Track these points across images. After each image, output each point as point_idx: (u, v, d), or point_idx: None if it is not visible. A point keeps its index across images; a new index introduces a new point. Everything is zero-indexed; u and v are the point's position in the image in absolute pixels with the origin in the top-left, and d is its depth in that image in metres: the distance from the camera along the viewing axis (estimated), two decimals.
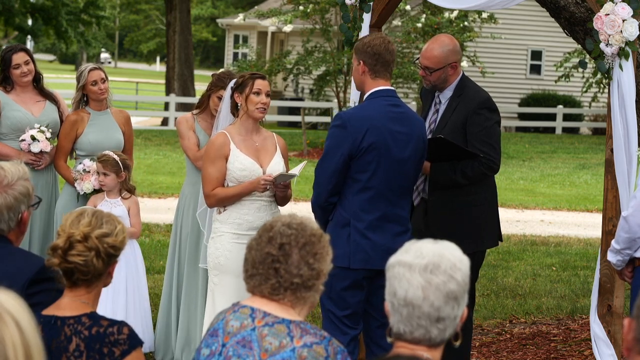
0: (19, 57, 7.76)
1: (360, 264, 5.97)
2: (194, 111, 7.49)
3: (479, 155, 6.45)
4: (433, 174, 6.52)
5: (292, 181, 6.50)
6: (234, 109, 6.53)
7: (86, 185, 7.46)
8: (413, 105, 26.18)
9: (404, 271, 2.86)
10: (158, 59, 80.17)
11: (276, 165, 6.45)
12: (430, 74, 6.62)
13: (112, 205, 7.33)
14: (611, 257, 5.95)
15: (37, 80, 7.92)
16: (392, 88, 6.15)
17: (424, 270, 2.84)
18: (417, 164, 6.12)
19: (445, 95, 6.70)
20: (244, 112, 6.42)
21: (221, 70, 7.79)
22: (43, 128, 7.70)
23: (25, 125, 7.72)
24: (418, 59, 6.80)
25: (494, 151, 6.52)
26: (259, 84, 6.40)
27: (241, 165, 6.36)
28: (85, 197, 7.52)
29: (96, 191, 7.47)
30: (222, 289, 6.36)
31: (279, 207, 6.61)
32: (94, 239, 3.52)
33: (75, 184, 7.51)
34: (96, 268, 3.54)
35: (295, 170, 6.41)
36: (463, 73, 6.77)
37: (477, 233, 6.57)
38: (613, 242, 5.93)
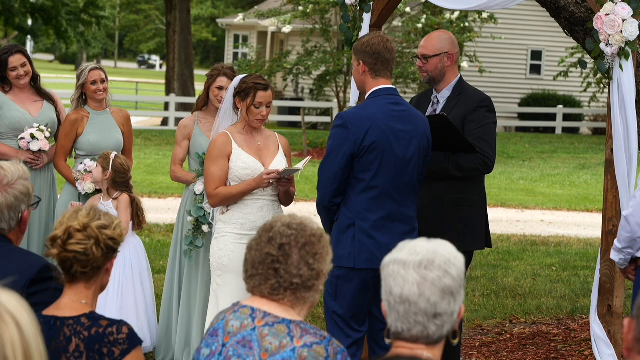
0: (15, 60, 7.74)
1: (366, 264, 5.95)
2: (196, 112, 7.49)
3: (475, 149, 6.43)
4: None
5: (296, 176, 6.50)
6: (236, 108, 6.54)
7: (87, 185, 7.47)
8: None
9: (399, 269, 2.86)
10: (158, 58, 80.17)
11: (279, 164, 6.45)
12: (426, 62, 6.62)
13: (105, 208, 7.34)
14: (614, 255, 5.97)
15: (34, 80, 7.92)
16: (394, 87, 6.14)
17: (419, 267, 2.85)
18: (422, 162, 6.09)
19: (444, 95, 6.69)
20: (244, 119, 6.44)
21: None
22: (42, 127, 7.71)
23: (24, 125, 7.72)
24: (415, 56, 6.81)
25: (490, 149, 6.51)
26: (261, 96, 6.39)
27: (243, 164, 6.36)
28: (86, 197, 7.53)
29: (97, 191, 7.49)
30: (226, 289, 6.36)
31: (284, 207, 6.60)
32: (93, 228, 3.52)
33: (77, 184, 7.52)
34: (96, 258, 3.53)
35: (300, 164, 6.40)
36: (461, 76, 6.76)
37: (465, 233, 6.54)
38: (615, 241, 5.95)
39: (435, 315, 2.83)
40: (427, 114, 6.64)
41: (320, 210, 6.08)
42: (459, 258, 2.89)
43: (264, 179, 6.27)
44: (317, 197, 6.12)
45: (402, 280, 2.84)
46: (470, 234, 6.59)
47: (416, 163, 6.04)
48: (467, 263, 6.67)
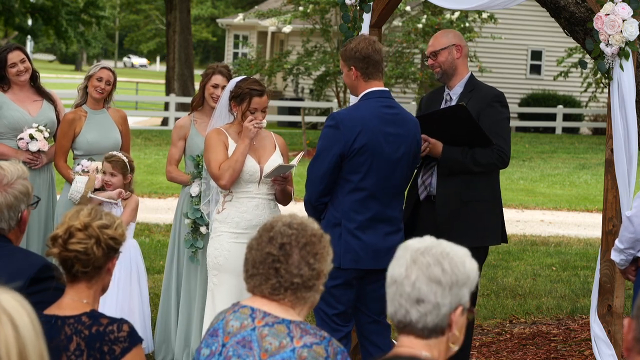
0: (14, 56, 7.76)
1: (351, 264, 6.01)
2: (192, 113, 7.50)
3: (491, 142, 6.47)
4: (444, 156, 6.51)
5: (292, 173, 6.51)
6: (231, 110, 6.54)
7: None
8: (413, 106, 26.19)
9: (401, 252, 2.90)
10: (158, 59, 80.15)
11: (275, 163, 6.45)
12: (436, 58, 6.68)
13: (113, 207, 7.34)
14: (615, 256, 5.96)
15: (34, 79, 7.93)
16: (386, 89, 6.17)
17: (415, 252, 2.87)
18: (410, 165, 6.14)
19: (456, 92, 6.72)
20: (239, 123, 6.44)
21: None
22: (41, 127, 7.71)
23: (23, 124, 7.72)
24: (426, 58, 6.90)
25: (505, 144, 6.56)
26: (256, 102, 6.39)
27: None
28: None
29: (96, 190, 7.47)
30: (222, 288, 6.36)
31: (282, 207, 6.61)
32: (94, 227, 3.52)
33: None
34: (96, 257, 3.53)
35: (294, 161, 6.41)
36: (472, 73, 6.81)
37: (481, 229, 6.59)
38: (617, 241, 5.94)
39: (417, 300, 2.82)
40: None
41: (308, 208, 6.13)
42: (460, 256, 2.88)
43: (246, 126, 6.29)
44: (305, 194, 6.16)
45: (397, 261, 2.88)
46: (486, 230, 6.62)
47: (405, 166, 6.08)
48: (482, 259, 6.70)
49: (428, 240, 2.91)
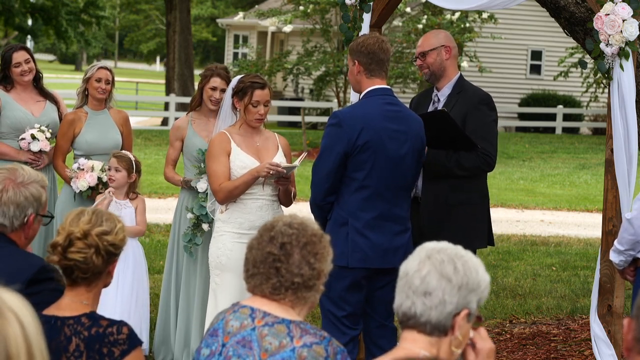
0: (19, 56, 7.77)
1: (358, 263, 5.97)
2: (190, 113, 7.50)
3: (476, 146, 6.44)
4: (428, 160, 6.50)
5: (294, 173, 6.51)
6: (234, 109, 6.56)
7: (81, 182, 7.46)
8: None
9: (417, 250, 2.96)
10: (158, 59, 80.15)
11: None
12: (425, 58, 6.66)
13: (122, 207, 7.34)
14: (614, 256, 5.96)
15: (36, 80, 7.93)
16: (389, 87, 6.16)
17: (431, 250, 2.94)
18: (415, 163, 6.11)
19: (444, 93, 6.71)
20: (243, 118, 6.45)
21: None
22: (43, 128, 7.72)
23: (25, 125, 7.73)
24: (414, 58, 6.87)
25: (492, 148, 6.53)
26: (258, 95, 6.41)
27: (242, 164, 6.38)
28: (81, 196, 7.52)
29: (91, 189, 7.47)
30: (224, 288, 6.36)
31: (285, 207, 6.60)
32: (93, 236, 3.52)
33: (71, 183, 7.53)
34: (96, 265, 3.54)
35: (296, 161, 6.42)
36: (461, 74, 6.79)
37: (467, 232, 6.55)
38: (616, 242, 5.93)
39: (425, 293, 2.87)
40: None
41: (313, 208, 6.11)
42: (475, 262, 2.93)
43: (265, 166, 6.27)
44: (310, 196, 6.15)
45: (411, 258, 2.94)
46: (473, 233, 6.59)
47: (409, 163, 6.05)
48: None
49: (445, 244, 2.97)
